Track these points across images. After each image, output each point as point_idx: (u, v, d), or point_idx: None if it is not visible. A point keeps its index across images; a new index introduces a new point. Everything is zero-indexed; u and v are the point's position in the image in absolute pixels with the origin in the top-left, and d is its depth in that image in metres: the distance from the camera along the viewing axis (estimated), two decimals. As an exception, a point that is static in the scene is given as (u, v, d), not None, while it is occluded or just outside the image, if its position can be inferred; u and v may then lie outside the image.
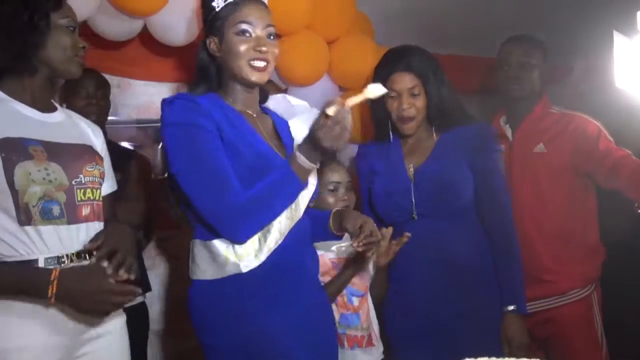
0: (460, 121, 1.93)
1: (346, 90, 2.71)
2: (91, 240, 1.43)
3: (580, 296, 2.11)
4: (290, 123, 1.67)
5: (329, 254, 1.90)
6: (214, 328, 1.49)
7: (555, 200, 2.11)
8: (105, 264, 1.39)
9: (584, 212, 2.16)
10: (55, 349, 1.38)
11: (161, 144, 1.51)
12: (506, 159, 2.11)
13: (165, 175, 2.91)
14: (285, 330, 1.48)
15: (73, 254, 1.42)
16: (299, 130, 1.61)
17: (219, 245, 1.48)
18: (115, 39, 2.50)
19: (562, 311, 2.09)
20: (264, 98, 1.71)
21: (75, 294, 1.34)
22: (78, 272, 1.38)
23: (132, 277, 1.42)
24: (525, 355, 1.36)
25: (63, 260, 1.41)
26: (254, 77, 1.53)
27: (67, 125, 1.53)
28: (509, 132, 2.23)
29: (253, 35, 1.52)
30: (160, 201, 2.46)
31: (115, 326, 1.51)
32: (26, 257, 1.37)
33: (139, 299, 2.30)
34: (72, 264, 1.41)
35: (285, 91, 2.42)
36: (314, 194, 1.63)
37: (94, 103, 2.21)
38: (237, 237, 1.45)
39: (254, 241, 1.48)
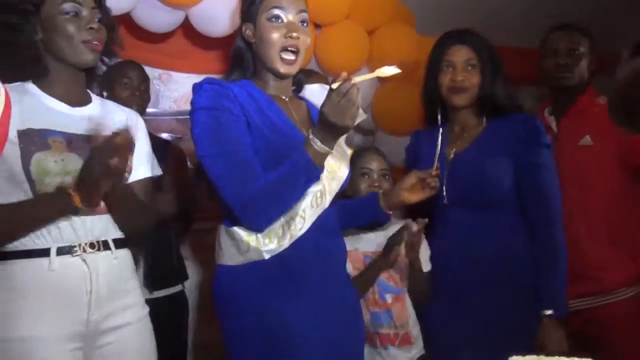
0: (511, 111, 1.87)
1: (386, 81, 2.67)
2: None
3: (629, 295, 2.02)
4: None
5: (361, 248, 1.87)
6: (235, 313, 1.50)
7: (603, 195, 2.03)
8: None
9: (634, 208, 2.08)
10: (74, 338, 1.39)
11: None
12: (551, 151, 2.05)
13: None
14: (306, 321, 1.46)
15: (86, 244, 1.43)
16: None
17: (241, 231, 1.47)
18: (157, 31, 2.53)
19: (609, 310, 2.01)
20: (299, 87, 1.71)
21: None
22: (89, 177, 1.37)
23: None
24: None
25: (75, 249, 1.42)
26: (283, 69, 1.53)
27: (97, 117, 1.51)
28: (553, 124, 2.16)
29: (285, 20, 1.52)
30: (197, 192, 2.49)
31: (138, 317, 1.51)
32: (39, 246, 1.39)
33: (177, 288, 2.33)
34: (84, 254, 1.42)
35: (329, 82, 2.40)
36: (343, 183, 1.60)
37: (137, 95, 2.25)
38: (255, 225, 1.45)
39: (277, 228, 1.47)
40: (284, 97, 1.59)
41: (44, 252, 1.39)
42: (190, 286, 2.50)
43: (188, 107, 2.98)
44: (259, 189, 1.41)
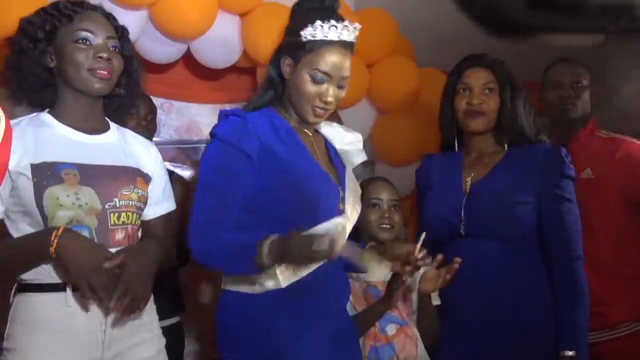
0: (532, 139, 1.79)
1: (384, 112, 2.69)
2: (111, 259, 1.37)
3: (632, 330, 2.01)
4: (340, 149, 1.67)
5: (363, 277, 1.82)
6: (239, 340, 1.48)
7: (605, 229, 2.02)
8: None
9: (636, 242, 2.07)
10: None
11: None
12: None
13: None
14: (313, 348, 1.46)
15: None
16: (351, 153, 1.66)
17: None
18: (159, 62, 2.55)
19: (612, 345, 1.99)
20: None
21: (70, 257, 1.31)
22: (81, 239, 1.35)
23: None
24: None
25: None
26: (312, 120, 1.55)
27: (114, 146, 1.51)
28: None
29: (325, 85, 1.49)
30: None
31: (151, 353, 1.48)
32: (56, 280, 1.37)
33: (174, 319, 2.30)
34: None
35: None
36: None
37: (144, 125, 2.26)
38: (201, 261, 1.45)
39: (274, 267, 1.47)
40: (306, 131, 1.59)
41: (60, 287, 1.37)
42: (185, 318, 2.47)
43: (189, 136, 3.02)
44: (218, 242, 1.41)
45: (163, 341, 1.53)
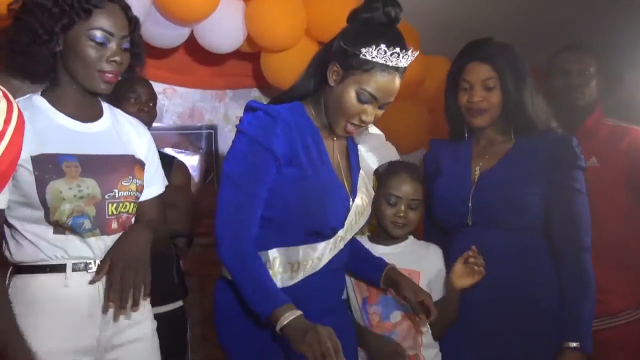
0: (543, 128, 1.75)
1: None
2: (97, 272, 1.40)
3: (634, 318, 2.01)
4: (359, 147, 1.66)
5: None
6: (235, 326, 1.50)
7: (608, 217, 2.01)
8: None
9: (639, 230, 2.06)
10: (85, 353, 1.39)
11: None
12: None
13: (206, 181, 2.94)
14: None
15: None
16: (365, 156, 1.65)
17: (262, 256, 1.48)
18: (162, 47, 2.54)
19: (613, 333, 1.99)
20: None
21: None
22: None
23: (141, 297, 1.39)
24: None
25: (90, 266, 1.41)
26: (341, 134, 1.54)
27: (109, 133, 1.50)
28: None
29: (368, 105, 1.47)
30: (200, 208, 2.48)
31: (146, 332, 1.51)
32: (55, 262, 1.39)
33: (177, 304, 2.31)
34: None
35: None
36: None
37: (145, 111, 2.25)
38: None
39: (292, 264, 1.50)
40: (330, 134, 1.58)
41: (60, 268, 1.39)
42: (190, 302, 2.49)
43: (192, 122, 3.01)
44: (240, 254, 1.43)
45: (155, 323, 1.55)
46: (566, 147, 1.72)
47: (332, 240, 1.53)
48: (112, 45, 1.40)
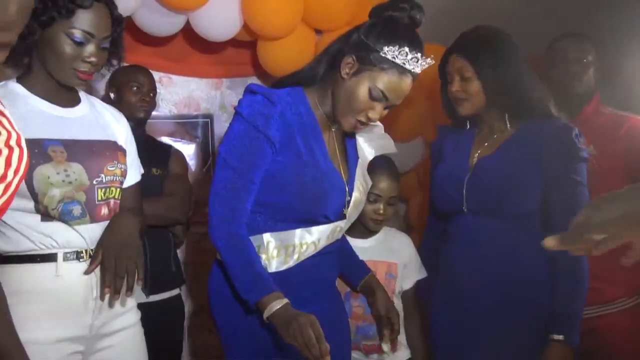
0: (542, 114, 1.73)
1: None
2: (91, 262, 1.41)
3: (627, 306, 2.01)
4: (358, 139, 1.66)
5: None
6: (229, 309, 1.51)
7: (605, 206, 2.02)
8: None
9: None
10: (76, 342, 1.40)
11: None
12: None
13: (204, 169, 2.94)
14: None
15: (92, 250, 1.43)
16: (362, 146, 1.65)
17: (254, 240, 1.49)
18: (158, 35, 2.53)
19: (606, 321, 2.00)
20: None
21: None
22: None
23: (135, 282, 1.41)
24: None
25: (82, 255, 1.42)
26: (348, 129, 1.54)
27: (89, 118, 1.49)
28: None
29: (377, 103, 1.47)
30: (197, 196, 2.48)
31: (132, 322, 1.52)
32: (45, 251, 1.38)
33: (174, 292, 2.32)
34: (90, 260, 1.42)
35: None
36: None
37: (146, 101, 2.27)
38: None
39: (287, 247, 1.50)
40: (329, 123, 1.58)
41: (51, 257, 1.38)
42: (186, 291, 2.49)
43: (188, 110, 3.00)
44: (231, 237, 1.44)
45: (139, 314, 1.57)
46: (566, 136, 1.70)
47: (330, 228, 1.53)
48: (91, 45, 1.38)
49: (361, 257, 1.83)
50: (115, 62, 1.52)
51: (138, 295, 2.12)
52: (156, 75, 2.69)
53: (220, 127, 2.94)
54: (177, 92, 2.93)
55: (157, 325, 2.17)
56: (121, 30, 1.48)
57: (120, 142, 1.54)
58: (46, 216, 1.37)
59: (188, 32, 2.61)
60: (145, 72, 2.30)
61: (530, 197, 1.70)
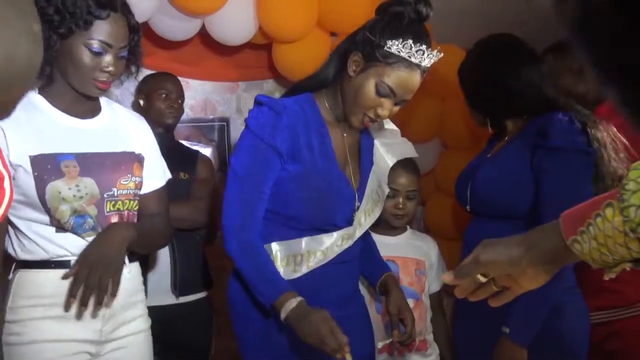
0: (545, 109, 1.65)
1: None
2: (66, 274, 1.39)
3: (650, 308, 1.99)
4: (376, 142, 1.66)
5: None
6: (245, 317, 1.52)
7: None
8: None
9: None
10: (86, 346, 1.42)
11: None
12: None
13: (220, 174, 2.94)
14: None
15: None
16: (381, 152, 1.64)
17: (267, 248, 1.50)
18: (174, 39, 2.54)
19: (630, 324, 1.96)
20: None
21: None
22: None
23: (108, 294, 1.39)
24: None
25: None
26: (357, 126, 1.53)
27: (108, 129, 1.50)
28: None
29: (386, 99, 1.45)
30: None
31: (141, 328, 1.54)
32: (60, 258, 1.41)
33: (203, 294, 2.34)
34: None
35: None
36: None
37: (175, 108, 2.32)
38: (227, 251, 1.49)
39: (295, 256, 1.49)
40: (339, 127, 1.57)
41: (65, 264, 1.41)
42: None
43: (204, 114, 3.01)
44: (245, 246, 1.44)
45: (149, 321, 1.58)
46: (542, 126, 1.61)
47: (339, 236, 1.52)
48: (109, 55, 1.40)
49: (390, 253, 1.84)
50: (133, 69, 1.54)
51: (169, 297, 2.19)
52: (173, 79, 2.71)
53: (237, 130, 2.95)
54: (194, 96, 2.95)
55: (187, 326, 2.20)
56: (138, 38, 1.50)
57: (139, 150, 1.54)
58: (60, 228, 1.40)
59: (204, 36, 2.63)
60: (174, 80, 2.35)
61: (525, 196, 1.62)
